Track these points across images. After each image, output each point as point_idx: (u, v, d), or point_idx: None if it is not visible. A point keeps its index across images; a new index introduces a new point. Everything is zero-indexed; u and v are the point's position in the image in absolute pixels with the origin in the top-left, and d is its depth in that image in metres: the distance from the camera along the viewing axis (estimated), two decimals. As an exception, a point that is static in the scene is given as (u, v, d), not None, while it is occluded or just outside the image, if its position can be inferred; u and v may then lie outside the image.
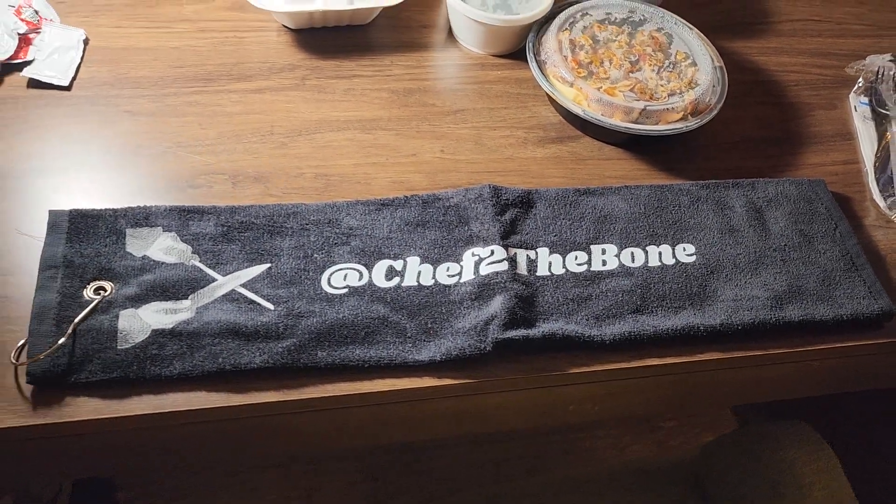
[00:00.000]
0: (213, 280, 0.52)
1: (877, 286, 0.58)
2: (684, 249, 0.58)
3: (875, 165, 0.67)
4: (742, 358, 0.54)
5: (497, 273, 0.54)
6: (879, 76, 0.73)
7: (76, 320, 0.48)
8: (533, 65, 0.65)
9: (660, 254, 0.58)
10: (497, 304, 0.52)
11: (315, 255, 0.54)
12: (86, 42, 0.65)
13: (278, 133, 0.62)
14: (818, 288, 0.57)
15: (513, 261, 0.55)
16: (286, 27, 0.69)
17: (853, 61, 0.74)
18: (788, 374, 0.59)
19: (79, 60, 0.63)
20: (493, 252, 0.55)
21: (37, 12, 0.64)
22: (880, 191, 0.65)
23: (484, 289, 0.53)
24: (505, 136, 0.65)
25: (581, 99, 0.63)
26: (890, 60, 0.73)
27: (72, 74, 0.62)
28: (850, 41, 0.78)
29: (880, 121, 0.70)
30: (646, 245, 0.58)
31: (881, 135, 0.69)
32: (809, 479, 0.64)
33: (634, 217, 0.60)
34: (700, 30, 0.73)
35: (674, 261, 0.58)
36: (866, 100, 0.72)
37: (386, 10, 0.71)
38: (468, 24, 0.68)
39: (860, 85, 0.73)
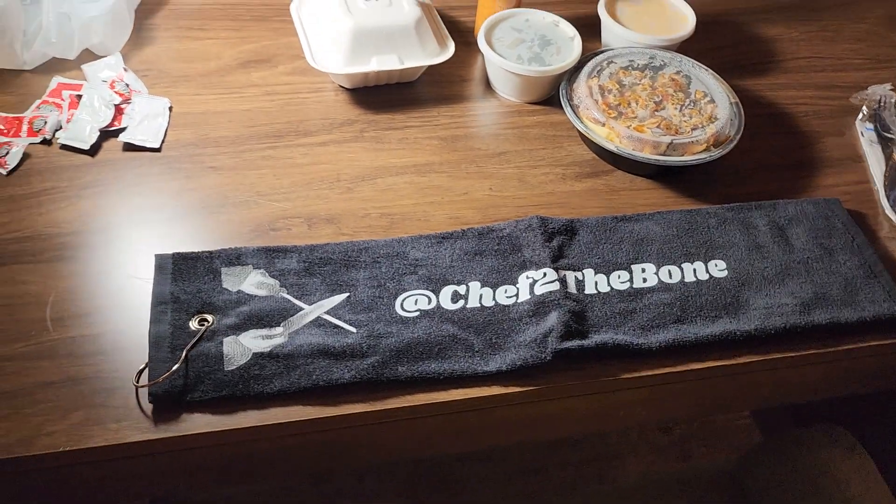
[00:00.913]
0: (301, 309, 0.58)
1: (895, 290, 0.63)
2: (716, 265, 0.65)
3: (885, 184, 0.73)
4: (777, 360, 0.60)
5: (551, 292, 0.60)
6: (882, 104, 0.80)
7: (188, 347, 0.54)
8: (567, 109, 0.72)
9: (694, 270, 0.64)
10: (553, 319, 0.58)
11: (387, 284, 0.61)
12: (170, 109, 0.73)
13: (344, 180, 0.69)
14: (841, 294, 0.63)
15: (563, 281, 0.61)
16: (342, 87, 0.77)
17: (856, 92, 0.81)
18: (819, 374, 0.64)
19: (166, 125, 0.71)
20: (545, 274, 0.62)
21: (127, 85, 0.73)
22: (891, 206, 0.71)
23: (540, 306, 0.60)
24: (545, 174, 0.72)
25: (613, 136, 0.70)
26: (890, 89, 0.80)
27: (161, 137, 0.70)
28: (851, 74, 0.86)
29: (886, 144, 0.77)
30: (681, 263, 0.65)
31: (888, 156, 0.75)
32: (846, 477, 0.69)
33: (668, 238, 0.66)
34: (719, 73, 0.81)
35: (707, 276, 0.64)
36: (871, 125, 0.79)
37: (430, 68, 0.79)
38: (505, 76, 0.76)
39: (865, 113, 0.79)
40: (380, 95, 0.77)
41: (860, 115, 0.79)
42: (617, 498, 0.79)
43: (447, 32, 0.79)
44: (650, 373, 0.58)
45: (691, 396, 0.64)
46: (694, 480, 0.81)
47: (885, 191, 0.73)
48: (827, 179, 0.74)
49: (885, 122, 0.78)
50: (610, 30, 0.81)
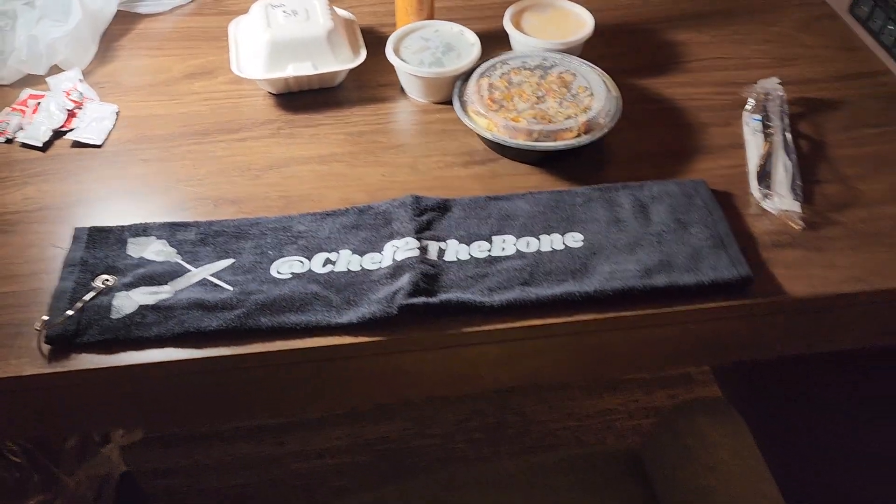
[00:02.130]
0: (189, 271, 0.67)
1: (739, 258, 0.68)
2: (573, 237, 0.70)
3: (757, 167, 0.77)
4: (616, 318, 0.65)
5: (408, 258, 0.67)
6: (768, 96, 0.84)
7: (84, 299, 0.64)
8: (457, 104, 0.80)
9: (551, 241, 0.70)
10: (405, 279, 0.65)
11: (269, 252, 0.69)
12: (118, 113, 0.85)
13: (253, 168, 0.79)
14: (686, 262, 0.68)
15: (424, 249, 0.68)
16: (269, 93, 0.87)
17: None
18: (669, 338, 0.69)
19: (111, 126, 0.83)
20: (407, 243, 0.69)
21: (81, 94, 0.85)
22: (758, 186, 0.75)
23: (397, 270, 0.67)
24: (436, 162, 0.79)
25: (492, 126, 0.77)
26: (778, 84, 0.85)
27: (105, 136, 0.81)
28: (753, 72, 0.90)
29: (767, 132, 0.81)
30: (540, 234, 0.71)
31: (766, 143, 0.80)
32: (718, 442, 0.72)
33: (534, 215, 0.72)
34: (618, 73, 0.87)
35: (563, 246, 0.70)
36: (759, 117, 0.83)
37: (351, 74, 0.89)
38: (408, 78, 0.85)
39: (752, 104, 0.84)
40: (302, 99, 0.87)
41: (747, 107, 0.84)
42: (518, 473, 0.83)
43: (363, 42, 0.89)
44: (491, 327, 0.64)
45: (547, 357, 0.69)
46: (601, 459, 0.85)
47: (756, 173, 0.77)
48: (704, 164, 0.79)
49: (768, 113, 0.82)
50: (514, 38, 0.88)
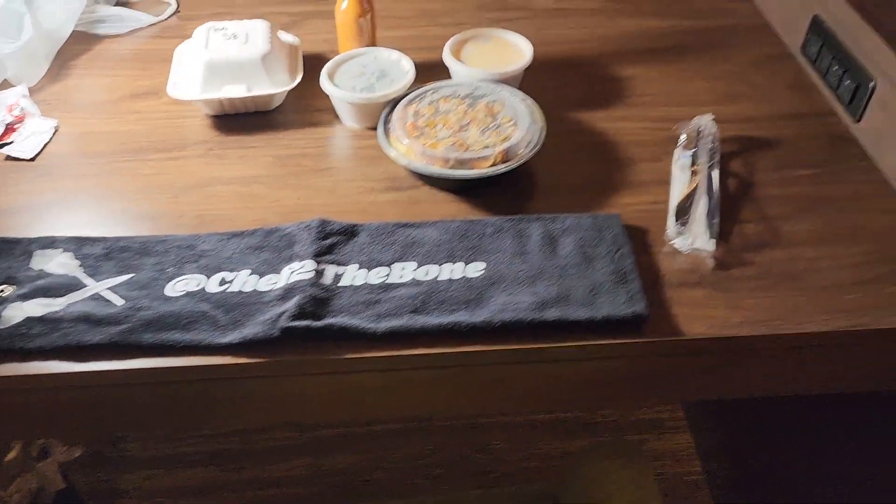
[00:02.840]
0: (87, 285, 0.68)
1: (638, 295, 0.66)
2: (475, 267, 0.69)
3: (678, 203, 0.75)
4: (503, 352, 0.64)
5: (300, 280, 0.67)
6: (701, 133, 0.83)
7: (-23, 307, 0.65)
8: (380, 130, 0.80)
9: (452, 270, 0.69)
10: (292, 302, 0.65)
11: (168, 269, 0.70)
12: (57, 129, 0.87)
13: (176, 187, 0.79)
14: (584, 296, 0.66)
15: (319, 272, 0.68)
16: (209, 115, 0.89)
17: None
18: (565, 375, 0.67)
19: (46, 141, 0.85)
20: (304, 266, 0.68)
21: (23, 109, 0.87)
22: (675, 223, 0.73)
23: (288, 292, 0.66)
24: (356, 187, 0.79)
25: (410, 153, 0.77)
26: (711, 120, 0.83)
27: (37, 151, 0.83)
28: (694, 109, 0.88)
29: (694, 170, 0.79)
30: (442, 263, 0.70)
31: (691, 182, 0.78)
32: (621, 486, 0.69)
33: (440, 242, 0.72)
34: (556, 105, 0.87)
35: (462, 276, 0.69)
36: (689, 153, 0.81)
37: (291, 98, 0.90)
38: (341, 103, 0.85)
39: (684, 141, 0.82)
40: (238, 121, 0.88)
41: (679, 143, 0.82)
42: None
43: (301, 67, 0.90)
44: (374, 354, 0.63)
45: (439, 388, 0.67)
46: (521, 497, 0.83)
47: (675, 210, 0.75)
48: (626, 199, 0.78)
49: (699, 149, 0.81)
50: (451, 67, 0.89)
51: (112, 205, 0.78)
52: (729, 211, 0.76)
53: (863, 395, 0.79)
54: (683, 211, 0.75)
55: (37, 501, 1.03)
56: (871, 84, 0.82)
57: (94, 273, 0.69)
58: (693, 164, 0.80)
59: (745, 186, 0.79)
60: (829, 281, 0.69)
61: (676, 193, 0.77)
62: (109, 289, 0.68)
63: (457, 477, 1.43)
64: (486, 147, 0.77)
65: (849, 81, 0.85)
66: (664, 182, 0.79)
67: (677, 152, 0.82)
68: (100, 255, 0.71)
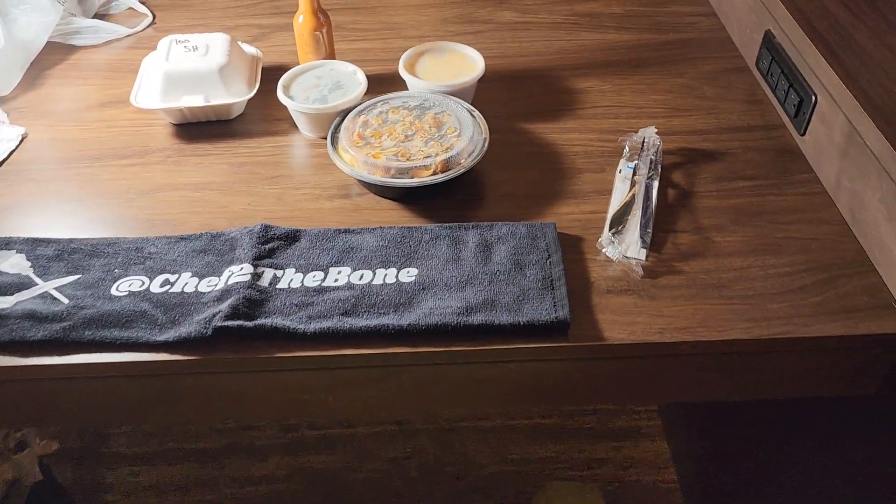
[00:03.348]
0: (36, 284, 0.71)
1: (563, 301, 0.68)
2: (408, 272, 0.72)
3: (615, 213, 0.77)
4: (428, 353, 0.66)
5: (238, 282, 0.70)
6: (644, 145, 0.84)
7: (-73, 304, 0.68)
8: (329, 139, 0.83)
9: (385, 275, 0.71)
10: (227, 303, 0.67)
11: (115, 270, 0.72)
12: (24, 136, 0.90)
13: (131, 192, 0.82)
14: (510, 302, 0.68)
15: (256, 275, 0.71)
16: (171, 123, 0.92)
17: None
18: (492, 377, 0.69)
19: (12, 148, 0.88)
20: (242, 268, 0.71)
21: (-8, 116, 0.91)
22: (608, 232, 0.75)
23: (225, 293, 0.69)
24: (304, 194, 0.82)
25: (354, 162, 0.79)
26: (654, 132, 0.85)
27: (2, 157, 0.87)
28: (644, 121, 0.90)
29: (634, 180, 0.81)
30: (376, 268, 0.72)
31: (630, 192, 0.80)
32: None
33: (377, 249, 0.74)
34: (507, 117, 0.90)
35: (395, 280, 0.71)
36: (631, 164, 0.83)
37: (251, 108, 0.93)
38: (295, 114, 0.88)
39: (627, 153, 0.84)
40: (198, 130, 0.91)
41: (623, 154, 0.84)
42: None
43: (260, 78, 0.93)
44: (305, 354, 0.66)
45: (371, 389, 0.69)
46: None
47: (611, 219, 0.77)
48: (566, 208, 0.79)
49: (641, 160, 0.83)
50: (405, 79, 0.91)
51: (69, 208, 0.81)
52: (664, 221, 0.77)
53: (835, 401, 0.80)
54: (618, 220, 0.77)
55: (11, 492, 1.06)
56: (814, 99, 0.83)
57: (44, 273, 0.72)
58: (634, 175, 0.82)
59: (684, 197, 0.81)
60: (755, 290, 0.70)
61: (615, 203, 0.79)
62: (56, 288, 0.71)
63: (433, 480, 1.45)
64: (428, 157, 0.79)
65: (794, 95, 0.87)
66: (605, 192, 0.81)
67: (620, 164, 0.84)
68: (51, 256, 0.74)
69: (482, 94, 0.94)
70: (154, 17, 1.13)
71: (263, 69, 0.97)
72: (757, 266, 0.73)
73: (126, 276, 0.72)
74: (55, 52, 1.05)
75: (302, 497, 1.43)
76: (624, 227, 0.76)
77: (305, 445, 1.51)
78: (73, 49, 1.06)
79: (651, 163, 0.82)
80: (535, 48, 1.05)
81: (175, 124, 0.92)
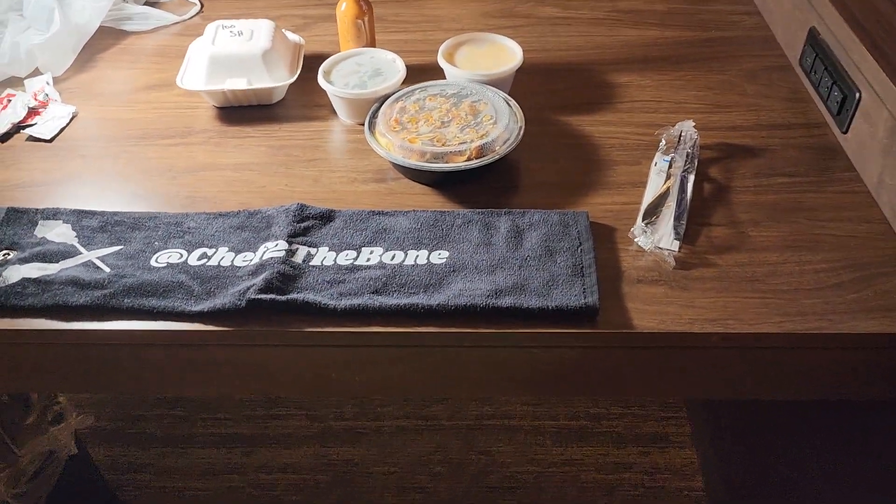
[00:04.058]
0: (80, 253, 0.73)
1: (593, 288, 0.68)
2: (439, 255, 0.72)
3: (648, 204, 0.77)
4: (456, 334, 0.66)
5: (273, 258, 0.71)
6: (681, 138, 0.84)
7: (-21, 268, 0.71)
8: (367, 124, 0.84)
9: (417, 256, 0.72)
10: (261, 277, 0.69)
11: (155, 243, 0.74)
12: (75, 115, 0.93)
13: (174, 170, 0.85)
14: (539, 287, 0.68)
15: (291, 251, 0.72)
16: (215, 106, 0.94)
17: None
18: (517, 361, 0.69)
19: (64, 125, 0.91)
20: (277, 245, 0.72)
21: (47, 95, 0.94)
22: (641, 222, 0.75)
23: (260, 268, 0.70)
24: (340, 177, 0.83)
25: (390, 146, 0.80)
26: (692, 126, 0.84)
27: (55, 133, 0.90)
28: (682, 116, 0.89)
29: (670, 173, 0.80)
30: (408, 249, 0.73)
31: (665, 184, 0.79)
32: None
33: (409, 231, 0.75)
34: (545, 108, 0.90)
35: (426, 262, 0.72)
36: (667, 158, 0.83)
37: (292, 94, 0.95)
38: (335, 99, 0.89)
39: (663, 146, 0.84)
40: (240, 113, 0.93)
41: (659, 147, 0.84)
42: None
43: (301, 64, 0.94)
44: (334, 329, 0.67)
45: (395, 367, 0.70)
46: None
47: (644, 210, 0.76)
48: (600, 199, 0.79)
49: (678, 153, 0.82)
50: (444, 68, 0.92)
51: (115, 184, 0.83)
52: (699, 214, 0.77)
53: (870, 407, 0.78)
54: (652, 212, 0.76)
55: (47, 464, 1.09)
56: (857, 96, 0.82)
57: (89, 243, 0.75)
58: (670, 168, 0.82)
59: (720, 192, 0.80)
60: (790, 285, 0.69)
61: (649, 195, 0.79)
62: (99, 258, 0.73)
63: (457, 477, 1.45)
64: (463, 143, 0.80)
65: (837, 93, 0.85)
66: (640, 184, 0.81)
67: (656, 156, 0.83)
68: (96, 227, 0.76)
69: (520, 86, 0.94)
70: (202, 5, 1.16)
71: (305, 57, 0.99)
72: (793, 261, 0.72)
73: (165, 248, 0.74)
74: (107, 37, 1.08)
75: (326, 487, 1.44)
76: (657, 218, 0.76)
77: (332, 436, 1.52)
78: (123, 34, 1.09)
79: (687, 156, 0.82)
80: (575, 43, 1.05)
81: (218, 107, 0.94)
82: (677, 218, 0.75)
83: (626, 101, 0.94)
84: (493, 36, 0.96)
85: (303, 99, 0.95)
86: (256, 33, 0.93)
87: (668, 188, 0.79)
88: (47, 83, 0.96)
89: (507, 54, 0.94)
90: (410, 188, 0.82)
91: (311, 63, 0.96)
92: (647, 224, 0.75)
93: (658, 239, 0.73)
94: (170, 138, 0.90)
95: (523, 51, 0.94)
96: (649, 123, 0.89)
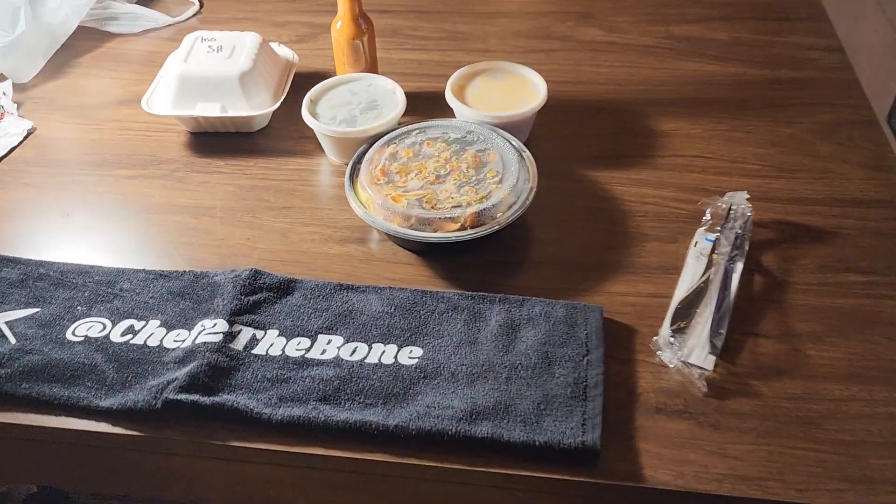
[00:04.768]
0: (-12, 315, 0.62)
1: (595, 420, 0.53)
2: (411, 352, 0.58)
3: (680, 301, 0.61)
4: (415, 467, 0.52)
5: (206, 343, 0.58)
6: (731, 213, 0.68)
7: None
8: (348, 171, 0.70)
9: (383, 352, 0.58)
10: (186, 369, 0.56)
11: (78, 308, 0.62)
12: (30, 132, 0.82)
13: (126, 210, 0.73)
14: (528, 410, 0.54)
15: (230, 335, 0.59)
16: (187, 130, 0.82)
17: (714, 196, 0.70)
18: (495, 503, 0.54)
19: (15, 144, 0.80)
20: (216, 325, 0.60)
21: (2, 107, 0.83)
22: (670, 326, 0.60)
23: (189, 355, 0.58)
24: (312, 233, 0.70)
25: (370, 203, 0.66)
26: (746, 199, 0.68)
27: (2, 154, 0.79)
28: (735, 180, 0.73)
29: (711, 260, 0.65)
30: (374, 342, 0.59)
31: (705, 273, 0.63)
32: None
33: (379, 315, 0.61)
34: (566, 158, 0.75)
35: (392, 361, 0.58)
36: (712, 236, 0.67)
37: (278, 120, 0.82)
38: (319, 135, 0.76)
39: (708, 221, 0.68)
40: (215, 141, 0.80)
41: (703, 223, 0.68)
42: None
43: (289, 88, 0.81)
44: (265, 447, 0.53)
45: (346, 496, 0.57)
46: None
47: (675, 310, 0.61)
48: (620, 286, 0.64)
49: (724, 233, 0.66)
50: (453, 105, 0.77)
51: (52, 223, 0.72)
52: (744, 319, 0.61)
53: None
54: (684, 313, 0.61)
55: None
56: (964, 176, 0.65)
57: (2, 301, 0.63)
58: (713, 251, 0.66)
59: (773, 289, 0.64)
60: (856, 435, 0.53)
61: (683, 287, 0.63)
62: (8, 323, 0.61)
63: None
64: (458, 206, 0.65)
65: (936, 168, 0.68)
66: (674, 271, 0.65)
67: (697, 234, 0.68)
68: (14, 280, 0.65)
69: (542, 126, 0.79)
70: (201, 5, 1.04)
71: (301, 76, 0.86)
72: (862, 399, 0.55)
73: (88, 315, 0.62)
74: (88, 38, 0.97)
75: None
76: (690, 322, 0.60)
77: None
78: (108, 37, 0.97)
79: (736, 238, 0.66)
80: (616, 75, 0.89)
81: (191, 132, 0.82)
82: (716, 324, 0.60)
83: (669, 155, 0.78)
84: (515, 66, 0.80)
85: (288, 128, 0.82)
86: (238, 50, 0.80)
87: (708, 280, 0.63)
88: (3, 93, 0.85)
89: (529, 91, 0.78)
90: (393, 254, 0.68)
91: (304, 83, 0.82)
92: (675, 331, 0.59)
93: (688, 352, 0.58)
94: (129, 168, 0.78)
95: (554, 81, 0.79)
96: (694, 187, 0.73)
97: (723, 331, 0.59)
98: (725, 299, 0.61)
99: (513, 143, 0.72)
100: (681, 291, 0.63)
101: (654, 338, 0.59)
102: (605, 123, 0.82)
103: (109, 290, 0.64)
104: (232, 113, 0.77)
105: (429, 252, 0.67)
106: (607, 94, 0.86)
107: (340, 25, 0.78)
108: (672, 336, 0.59)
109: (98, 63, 0.94)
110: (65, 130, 0.83)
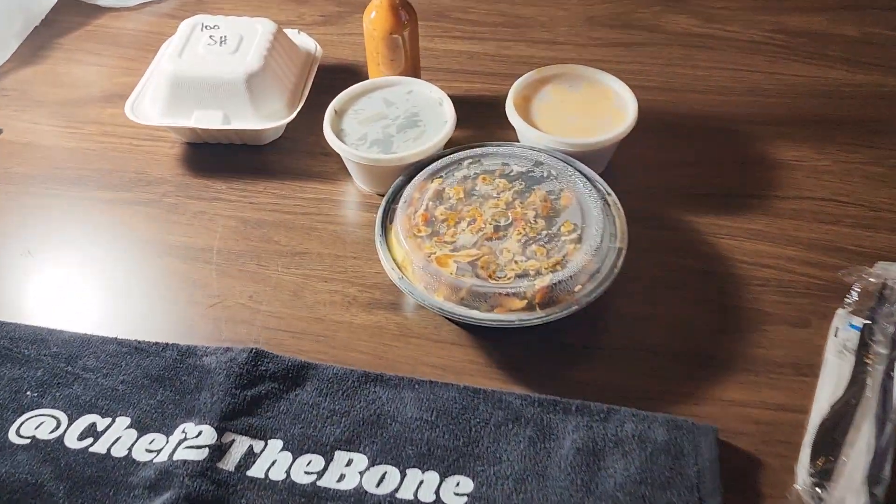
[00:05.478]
0: (-86, 399, 0.48)
1: None
2: (458, 484, 0.43)
3: (822, 423, 0.46)
4: None
5: (186, 462, 0.44)
6: (886, 291, 0.51)
7: None
8: (380, 215, 0.54)
9: (420, 482, 0.44)
10: (157, 502, 0.42)
11: (28, 393, 0.48)
12: (-3, 134, 0.68)
13: (100, 248, 0.58)
14: None
15: (219, 449, 0.44)
16: (182, 141, 0.66)
17: (857, 266, 0.53)
18: None
19: (-26, 151, 0.66)
20: (200, 433, 0.45)
21: (-39, 103, 0.68)
22: (809, 462, 0.44)
23: (163, 477, 0.43)
24: (332, 292, 0.55)
25: (407, 264, 0.51)
26: (908, 272, 0.51)
27: (-42, 164, 0.65)
28: (882, 237, 0.56)
29: (862, 360, 0.48)
30: (408, 466, 0.44)
31: (855, 379, 0.47)
32: None
33: (417, 425, 0.46)
34: (658, 197, 0.59)
35: (433, 498, 0.43)
36: (859, 323, 0.50)
37: (295, 129, 0.66)
38: (346, 160, 0.60)
39: (855, 300, 0.51)
40: (215, 156, 0.65)
41: (847, 303, 0.51)
42: None
43: (308, 92, 0.65)
44: None
45: None
46: None
47: (816, 435, 0.45)
48: (735, 392, 0.48)
49: (878, 322, 0.50)
50: (516, 125, 0.61)
51: (9, 262, 0.57)
52: (911, 452, 0.45)
53: None
54: (827, 441, 0.45)
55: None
56: None
57: (-66, 379, 0.50)
58: (864, 348, 0.49)
59: (949, 406, 0.48)
60: None
61: (823, 399, 0.47)
62: (-63, 412, 0.48)
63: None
64: (523, 275, 0.49)
65: None
66: (807, 369, 0.49)
67: (838, 318, 0.51)
68: (-48, 349, 0.51)
69: (623, 149, 0.62)
70: (211, -26, 0.88)
71: (327, 68, 0.70)
72: None
73: (40, 405, 0.48)
74: (75, 13, 0.81)
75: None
76: (837, 456, 0.44)
77: None
78: (97, 11, 0.81)
79: (896, 331, 0.50)
80: (717, 81, 0.71)
81: (187, 143, 0.66)
82: (876, 464, 0.44)
83: (792, 197, 0.61)
84: (596, 73, 0.63)
85: (307, 140, 0.66)
86: (246, 42, 0.63)
87: (860, 391, 0.47)
88: (-35, 87, 0.70)
89: (613, 105, 0.61)
90: (435, 327, 0.52)
91: (329, 80, 0.67)
92: (818, 472, 0.44)
93: (838, 501, 0.43)
94: (111, 190, 0.63)
95: (638, 87, 0.62)
96: (827, 244, 0.57)
97: (886, 473, 0.44)
98: (888, 425, 0.45)
99: (595, 182, 0.55)
100: (820, 405, 0.47)
101: (793, 486, 0.43)
102: (706, 148, 0.65)
103: (69, 368, 0.50)
104: (236, 125, 0.62)
105: (482, 329, 0.52)
106: (707, 107, 0.69)
107: (375, 16, 0.61)
108: (814, 477, 0.43)
109: (83, 45, 0.78)
110: (36, 134, 0.68)
